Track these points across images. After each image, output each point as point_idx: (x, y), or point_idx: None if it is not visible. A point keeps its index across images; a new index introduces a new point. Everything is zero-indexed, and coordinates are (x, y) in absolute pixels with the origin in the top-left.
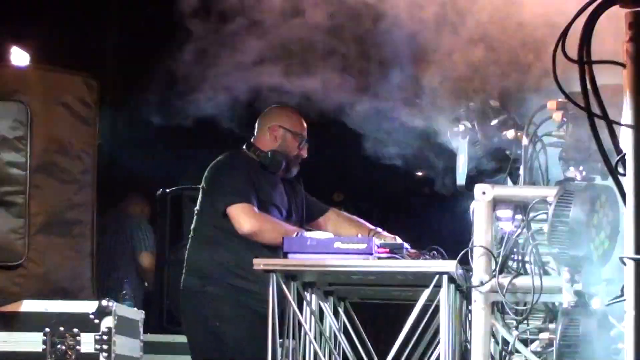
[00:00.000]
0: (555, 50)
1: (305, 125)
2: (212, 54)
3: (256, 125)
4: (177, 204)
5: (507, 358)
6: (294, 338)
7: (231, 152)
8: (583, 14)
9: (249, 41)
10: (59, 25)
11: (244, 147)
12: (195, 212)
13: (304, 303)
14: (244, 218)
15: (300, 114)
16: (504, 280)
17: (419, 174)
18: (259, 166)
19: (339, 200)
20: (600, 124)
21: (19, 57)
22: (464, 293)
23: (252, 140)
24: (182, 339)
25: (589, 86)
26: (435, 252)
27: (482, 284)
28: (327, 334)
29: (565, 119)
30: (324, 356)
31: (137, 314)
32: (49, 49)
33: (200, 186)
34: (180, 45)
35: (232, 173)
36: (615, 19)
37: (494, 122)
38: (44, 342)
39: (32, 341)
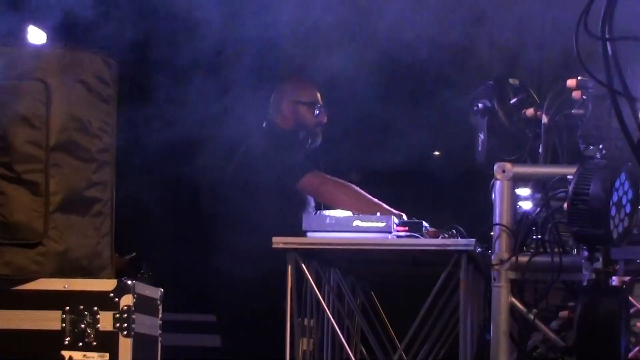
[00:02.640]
0: (577, 27)
1: (315, 91)
2: None
3: (271, 103)
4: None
5: (526, 337)
6: (312, 317)
7: (263, 132)
8: None
9: None
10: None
11: (264, 125)
12: (231, 195)
13: (323, 281)
14: (316, 178)
15: (308, 80)
16: (524, 258)
17: (437, 153)
18: None
19: (357, 179)
20: (622, 102)
21: (37, 36)
22: (483, 272)
23: (270, 118)
24: (200, 317)
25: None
26: (454, 231)
27: (501, 262)
28: (346, 312)
29: (584, 97)
30: (342, 335)
31: (156, 292)
32: (67, 27)
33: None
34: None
35: (283, 151)
36: None
37: (514, 100)
38: (63, 321)
39: (51, 319)
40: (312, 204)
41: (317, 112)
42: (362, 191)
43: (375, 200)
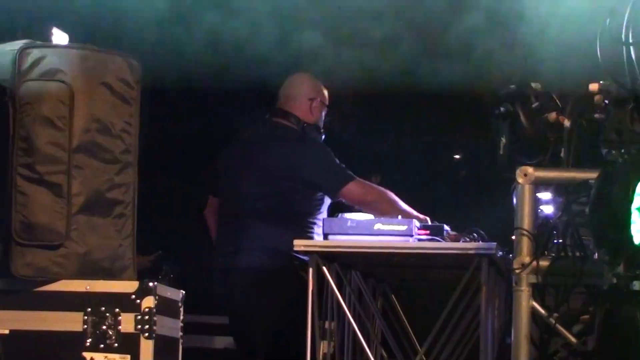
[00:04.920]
0: (600, 31)
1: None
2: None
3: (291, 92)
4: None
5: (547, 341)
6: (333, 319)
7: (288, 131)
8: None
9: None
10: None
11: (280, 116)
12: (254, 191)
13: (344, 284)
14: (361, 188)
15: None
16: (545, 263)
17: (457, 156)
18: None
19: (376, 182)
20: None
21: (60, 37)
22: (504, 275)
23: (289, 110)
24: (220, 320)
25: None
26: (475, 234)
27: (522, 266)
28: (366, 315)
29: (606, 102)
30: (363, 338)
31: (178, 294)
32: (90, 29)
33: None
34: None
35: (324, 156)
36: None
37: (536, 104)
38: (85, 322)
39: (72, 321)
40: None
41: (326, 116)
42: (400, 201)
43: (414, 212)
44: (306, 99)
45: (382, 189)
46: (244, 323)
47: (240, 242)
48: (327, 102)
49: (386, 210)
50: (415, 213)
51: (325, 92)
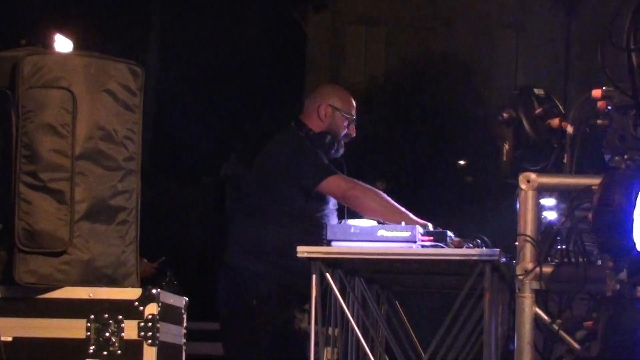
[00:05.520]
0: (602, 38)
1: (354, 104)
2: None
3: (306, 102)
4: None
5: (550, 347)
6: (336, 326)
7: (289, 132)
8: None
9: None
10: (102, 11)
11: (293, 124)
12: (250, 191)
13: (347, 290)
14: (345, 183)
15: (350, 93)
16: (548, 269)
17: (462, 162)
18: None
19: (382, 188)
20: None
21: (63, 44)
22: (508, 281)
23: (301, 118)
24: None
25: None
26: (479, 240)
27: (525, 272)
28: (370, 321)
29: (609, 108)
30: (367, 344)
31: (181, 301)
32: (93, 35)
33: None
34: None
35: (308, 152)
36: None
37: (539, 110)
38: (88, 329)
39: (76, 328)
40: (333, 205)
41: (350, 124)
42: (389, 199)
43: (402, 209)
44: (316, 106)
45: (371, 187)
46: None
47: (230, 241)
48: (346, 109)
49: (372, 208)
50: (412, 216)
51: (347, 99)
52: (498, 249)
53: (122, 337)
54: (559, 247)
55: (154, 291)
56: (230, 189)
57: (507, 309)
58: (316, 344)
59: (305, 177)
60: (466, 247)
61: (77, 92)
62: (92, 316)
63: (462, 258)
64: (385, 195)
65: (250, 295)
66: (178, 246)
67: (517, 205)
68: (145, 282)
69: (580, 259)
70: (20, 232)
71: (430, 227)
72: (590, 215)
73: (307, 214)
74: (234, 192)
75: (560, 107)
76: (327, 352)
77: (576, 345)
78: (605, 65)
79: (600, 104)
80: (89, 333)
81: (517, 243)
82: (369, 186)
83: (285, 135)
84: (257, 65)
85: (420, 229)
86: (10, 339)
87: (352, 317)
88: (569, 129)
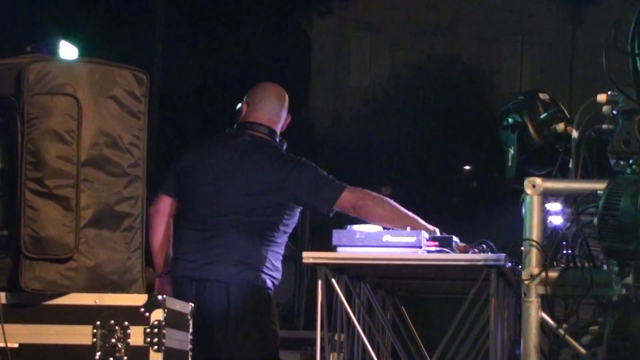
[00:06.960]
0: (606, 42)
1: None
2: None
3: (270, 105)
4: None
5: (556, 352)
6: (342, 332)
7: (274, 149)
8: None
9: None
10: (108, 18)
11: (263, 132)
12: (245, 208)
13: (353, 296)
14: (353, 194)
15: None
16: (554, 274)
17: (467, 167)
18: None
19: (387, 193)
20: None
21: (68, 51)
22: (513, 286)
23: (269, 125)
24: None
25: None
26: (484, 246)
27: (531, 277)
28: (376, 327)
29: (614, 112)
30: (373, 350)
31: (187, 307)
32: (98, 42)
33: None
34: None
35: (313, 167)
36: None
37: (544, 115)
38: (94, 335)
39: (82, 334)
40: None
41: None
42: (398, 205)
43: (412, 214)
44: (283, 115)
45: (377, 194)
46: (212, 335)
47: (217, 253)
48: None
49: (383, 216)
50: (421, 221)
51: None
52: (503, 254)
53: (128, 343)
54: (564, 252)
55: (159, 297)
56: (194, 194)
57: (513, 314)
58: (322, 349)
59: (321, 201)
60: (472, 253)
61: (82, 99)
62: (98, 322)
63: (467, 263)
64: (393, 202)
65: (247, 310)
66: None
67: (523, 210)
68: (151, 289)
69: (586, 264)
70: (26, 239)
71: (438, 232)
72: (595, 220)
73: (288, 229)
74: (206, 199)
75: (566, 111)
76: (333, 358)
77: (582, 350)
78: (610, 69)
79: (605, 108)
80: (95, 339)
81: (522, 248)
82: (376, 194)
83: (268, 149)
84: (263, 71)
85: (425, 235)
86: (16, 345)
87: (358, 322)
88: (574, 133)
